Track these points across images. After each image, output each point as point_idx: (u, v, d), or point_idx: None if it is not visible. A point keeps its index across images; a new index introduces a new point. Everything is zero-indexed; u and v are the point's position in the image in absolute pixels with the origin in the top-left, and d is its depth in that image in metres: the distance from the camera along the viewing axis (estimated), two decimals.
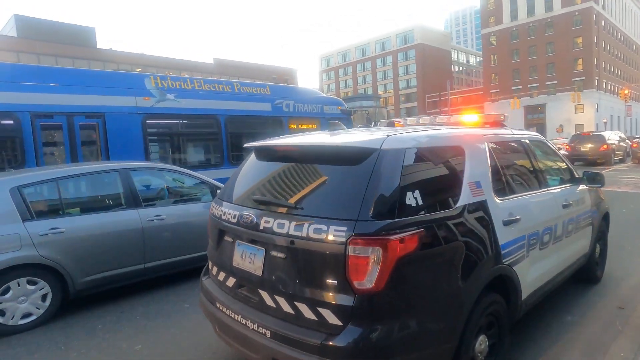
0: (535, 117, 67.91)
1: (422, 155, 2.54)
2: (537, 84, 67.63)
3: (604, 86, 65.86)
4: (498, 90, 71.45)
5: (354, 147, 2.44)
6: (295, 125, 9.82)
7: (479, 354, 2.61)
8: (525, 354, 3.26)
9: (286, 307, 2.34)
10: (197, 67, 51.74)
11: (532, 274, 3.13)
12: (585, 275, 4.58)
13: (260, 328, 2.39)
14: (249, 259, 2.56)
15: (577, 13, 62.64)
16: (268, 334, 2.34)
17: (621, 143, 23.69)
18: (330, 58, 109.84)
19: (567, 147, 22.32)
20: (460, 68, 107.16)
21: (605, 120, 62.80)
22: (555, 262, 3.57)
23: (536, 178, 3.63)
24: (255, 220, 2.52)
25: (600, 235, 4.81)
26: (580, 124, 59.85)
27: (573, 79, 63.00)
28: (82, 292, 4.34)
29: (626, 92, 47.10)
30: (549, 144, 4.37)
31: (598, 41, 63.88)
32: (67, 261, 4.13)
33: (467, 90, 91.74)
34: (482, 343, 2.64)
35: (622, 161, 22.99)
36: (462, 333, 2.42)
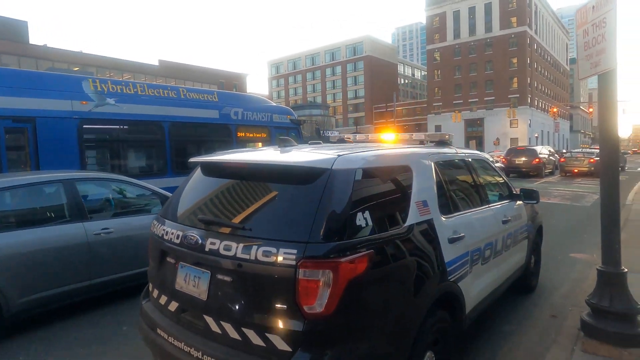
0: (474, 130, 72.13)
1: (372, 175, 2.55)
2: (477, 99, 72.02)
3: (536, 104, 71.39)
4: (441, 103, 75.33)
5: (305, 167, 2.39)
6: (243, 134, 9.64)
7: None
8: None
9: (233, 334, 2.22)
10: (141, 69, 49.37)
11: (475, 288, 3.23)
12: (522, 285, 4.84)
13: (205, 356, 2.25)
14: (193, 283, 2.42)
15: (513, 35, 67.62)
16: None
17: (551, 157, 25.69)
18: (280, 65, 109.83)
19: (503, 159, 23.80)
20: (406, 81, 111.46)
21: (536, 135, 68.01)
22: (496, 275, 3.72)
23: (478, 195, 3.78)
24: (200, 241, 2.39)
25: (535, 247, 5.11)
26: (515, 138, 64.35)
27: (509, 96, 67.74)
28: (20, 315, 3.94)
29: (554, 110, 51.38)
30: (490, 163, 4.59)
31: (531, 62, 69.37)
32: (1, 280, 3.74)
33: (412, 102, 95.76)
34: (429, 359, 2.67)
35: (551, 174, 24.89)
36: (410, 352, 2.43)
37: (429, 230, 2.73)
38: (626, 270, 3.52)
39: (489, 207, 3.84)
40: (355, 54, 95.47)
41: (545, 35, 77.99)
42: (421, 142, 3.65)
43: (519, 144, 54.15)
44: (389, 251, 2.37)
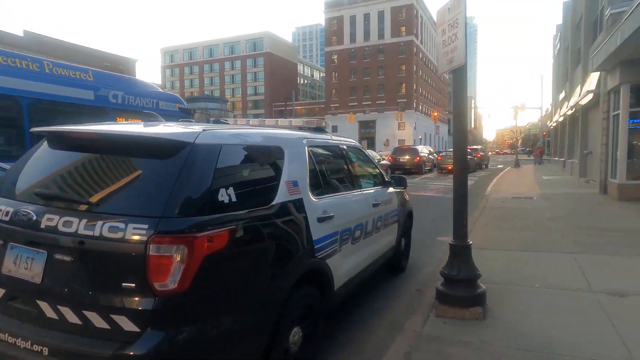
0: (367, 132, 76.83)
1: (240, 153, 2.52)
2: (370, 102, 76.75)
3: (420, 108, 78.40)
4: (338, 105, 78.57)
5: (164, 139, 2.26)
6: (124, 119, 8.84)
7: (292, 345, 2.68)
8: (337, 339, 3.52)
9: (72, 318, 2.00)
10: (1, 38, 41.91)
11: (345, 266, 3.39)
12: (393, 265, 5.25)
13: (35, 346, 1.98)
14: (25, 265, 2.12)
15: (402, 44, 73.31)
16: (45, 351, 1.96)
17: (430, 156, 28.51)
18: (174, 54, 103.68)
19: (390, 157, 25.76)
20: (306, 81, 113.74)
21: (420, 137, 74.79)
22: (366, 254, 3.96)
23: (350, 180, 3.98)
24: (34, 217, 2.10)
25: (405, 231, 5.57)
26: (402, 139, 69.87)
27: (398, 100, 73.32)
28: None
29: (435, 114, 57.13)
30: (364, 151, 4.88)
31: (417, 70, 76.02)
32: None
33: (311, 102, 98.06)
34: (296, 334, 2.72)
35: (430, 171, 27.59)
36: (275, 326, 2.45)
37: (297, 209, 2.78)
38: (471, 242, 4.01)
39: (360, 191, 4.06)
40: (255, 50, 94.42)
41: (428, 45, 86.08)
42: (300, 128, 3.73)
43: (407, 144, 59.29)
44: (253, 228, 2.35)
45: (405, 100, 73.94)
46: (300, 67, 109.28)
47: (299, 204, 2.80)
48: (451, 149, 25.02)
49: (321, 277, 3.00)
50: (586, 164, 16.47)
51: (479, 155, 30.89)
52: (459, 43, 3.64)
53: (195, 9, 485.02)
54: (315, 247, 2.88)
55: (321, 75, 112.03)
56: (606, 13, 12.12)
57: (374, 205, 4.19)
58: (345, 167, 4.00)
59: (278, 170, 2.76)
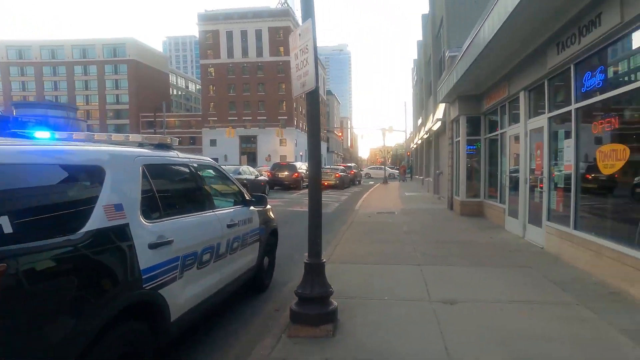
0: (248, 146, 76.65)
1: (28, 174, 2.14)
2: (251, 118, 76.90)
3: (301, 126, 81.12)
4: (216, 118, 76.83)
5: None
6: None
7: None
8: None
9: None
10: None
11: (188, 293, 3.16)
12: (254, 285, 5.14)
13: None
14: None
15: (281, 63, 75.28)
16: None
17: (308, 172, 29.39)
18: None
19: (269, 173, 25.89)
20: (180, 92, 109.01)
21: (302, 153, 77.25)
22: (218, 278, 3.77)
23: (200, 200, 3.79)
24: None
25: (269, 249, 5.54)
26: (284, 155, 71.36)
27: (279, 117, 74.87)
28: None
29: None
30: (221, 169, 4.72)
31: None
32: None
33: (186, 115, 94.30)
34: None
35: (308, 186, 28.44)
36: None
37: (119, 236, 2.49)
38: (325, 260, 4.12)
39: (213, 212, 3.88)
40: (116, 55, 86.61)
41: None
42: (140, 145, 3.40)
43: (288, 161, 60.55)
44: (43, 262, 2.00)
45: (286, 117, 75.91)
46: (172, 78, 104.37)
47: (121, 230, 2.50)
48: (328, 166, 26.26)
49: (151, 309, 2.71)
50: (438, 183, 18.76)
51: (352, 172, 33.02)
52: (310, 68, 3.76)
53: (36, 6, 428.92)
54: (144, 277, 2.60)
55: (197, 87, 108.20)
56: (446, 55, 14.14)
57: (230, 226, 4.05)
58: (194, 186, 3.80)
59: (93, 192, 2.43)
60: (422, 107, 26.59)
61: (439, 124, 16.27)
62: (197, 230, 3.44)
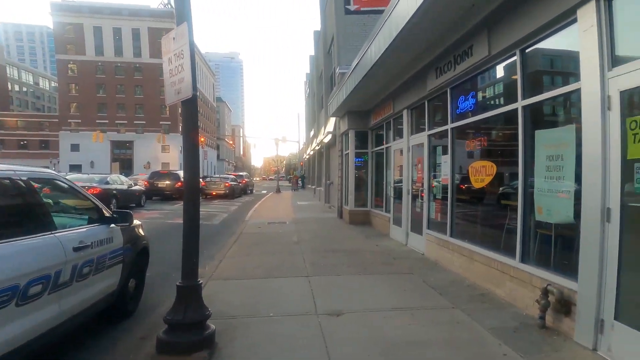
0: (123, 153, 70.01)
1: None
2: (126, 121, 70.10)
3: None
4: (80, 120, 68.29)
5: None
6: None
7: None
8: None
9: None
10: None
11: (3, 335, 2.42)
12: (116, 311, 4.39)
13: None
14: None
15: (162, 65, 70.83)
16: None
17: (184, 184, 27.70)
18: None
19: (146, 182, 23.67)
20: (26, 89, 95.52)
21: None
22: (57, 311, 3.04)
23: (30, 221, 3.05)
24: None
25: (137, 271, 4.83)
26: (167, 162, 66.50)
27: (161, 122, 69.75)
28: None
29: (202, 139, 57.07)
30: (66, 183, 3.94)
31: None
32: None
33: (36, 115, 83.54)
34: None
35: None
36: None
37: None
38: (201, 281, 3.63)
39: (52, 234, 3.14)
40: None
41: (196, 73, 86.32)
42: None
43: (171, 169, 56.38)
44: None
45: (169, 122, 71.22)
46: (12, 71, 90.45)
47: None
48: (218, 175, 25.17)
49: None
50: (329, 192, 19.21)
51: (244, 182, 32.24)
52: (186, 75, 3.41)
53: None
54: None
55: (53, 84, 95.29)
56: (337, 71, 14.63)
57: (78, 249, 3.34)
58: (21, 204, 3.03)
59: None
60: (315, 120, 27.24)
61: (329, 136, 16.70)
62: (21, 258, 2.69)
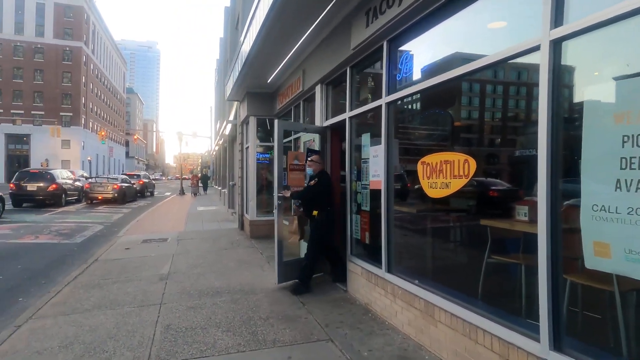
0: (19, 148, 59.91)
1: None
2: (23, 112, 60.11)
3: (91, 126, 68.07)
4: None
5: None
6: None
7: None
8: None
9: None
10: None
11: None
12: None
13: None
14: None
15: (67, 48, 61.79)
16: None
17: (76, 182, 22.83)
18: None
19: (12, 185, 18.86)
20: None
21: (90, 158, 64.62)
22: None
23: None
24: None
25: None
26: (67, 160, 58.43)
27: (62, 114, 60.87)
28: None
29: (103, 133, 49.71)
30: None
31: (87, 82, 65.60)
32: None
33: None
34: None
35: (78, 201, 22.11)
36: None
37: None
38: None
39: None
40: None
41: (103, 59, 77.05)
42: None
43: (71, 167, 48.55)
44: None
45: (71, 114, 62.23)
46: None
47: None
48: (105, 176, 20.24)
49: None
50: (233, 196, 16.10)
51: (141, 182, 27.70)
52: None
53: None
54: None
55: None
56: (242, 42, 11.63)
57: None
58: None
59: None
60: (223, 110, 23.81)
61: (229, 127, 13.55)
62: None
